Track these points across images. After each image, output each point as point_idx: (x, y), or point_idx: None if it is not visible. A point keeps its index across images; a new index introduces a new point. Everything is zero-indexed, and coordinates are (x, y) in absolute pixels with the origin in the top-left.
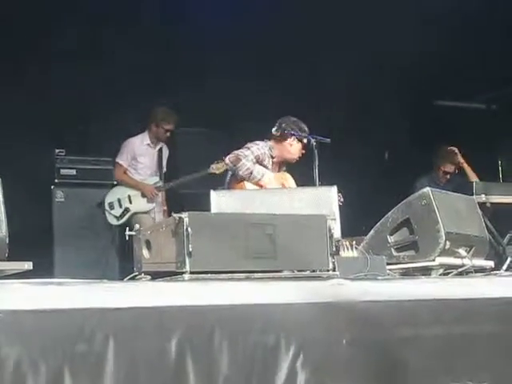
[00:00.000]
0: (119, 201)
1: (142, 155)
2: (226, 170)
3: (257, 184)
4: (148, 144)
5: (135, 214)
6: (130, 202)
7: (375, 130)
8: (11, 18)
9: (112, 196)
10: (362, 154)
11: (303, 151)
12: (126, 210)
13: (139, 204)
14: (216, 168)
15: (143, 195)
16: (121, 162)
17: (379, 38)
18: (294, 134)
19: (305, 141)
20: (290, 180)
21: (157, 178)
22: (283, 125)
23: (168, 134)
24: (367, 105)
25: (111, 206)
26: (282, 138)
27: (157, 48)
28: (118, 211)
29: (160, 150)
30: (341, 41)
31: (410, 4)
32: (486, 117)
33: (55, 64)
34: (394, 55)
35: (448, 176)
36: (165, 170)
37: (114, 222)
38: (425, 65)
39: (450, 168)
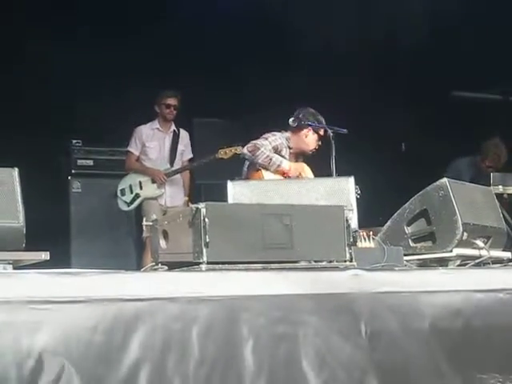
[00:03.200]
0: (130, 187)
1: (150, 140)
2: (235, 155)
3: (276, 171)
4: (157, 128)
5: (145, 199)
6: (141, 188)
7: (392, 121)
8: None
9: (124, 183)
10: (379, 145)
11: (319, 143)
12: (137, 195)
13: (149, 190)
14: (224, 153)
15: (153, 181)
16: (131, 150)
17: (395, 28)
18: (310, 125)
19: (321, 132)
20: (307, 170)
21: (168, 164)
22: (300, 115)
23: (171, 109)
24: (384, 95)
25: (122, 193)
26: (298, 129)
27: (173, 38)
28: (128, 197)
29: (175, 135)
30: (356, 31)
31: None
32: (503, 108)
33: (72, 55)
34: (410, 45)
35: (490, 169)
36: (190, 155)
37: (124, 207)
38: (441, 55)
39: (491, 163)
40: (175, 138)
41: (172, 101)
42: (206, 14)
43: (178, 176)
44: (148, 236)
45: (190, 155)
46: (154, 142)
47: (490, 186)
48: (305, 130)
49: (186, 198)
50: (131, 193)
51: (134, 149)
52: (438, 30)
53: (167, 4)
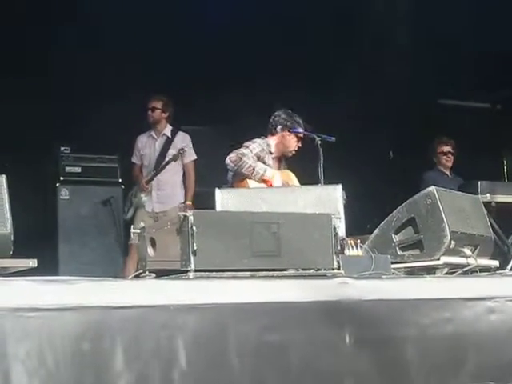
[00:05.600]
0: (131, 196)
1: (144, 147)
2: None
3: (261, 180)
4: (151, 135)
5: (136, 207)
6: (135, 197)
7: (380, 129)
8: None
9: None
10: (366, 153)
11: (299, 144)
12: (130, 203)
13: (138, 198)
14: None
15: (141, 189)
16: (132, 160)
17: (382, 36)
18: (286, 126)
19: (300, 134)
20: (293, 178)
21: (153, 171)
22: (276, 118)
23: (153, 112)
24: (371, 103)
25: (125, 202)
26: (275, 132)
27: (159, 45)
28: (126, 206)
29: (168, 139)
30: (344, 39)
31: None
32: (491, 116)
33: (59, 61)
34: (398, 53)
35: (450, 156)
36: (191, 158)
37: (124, 216)
38: (430, 63)
39: (445, 147)
40: (167, 143)
41: (151, 103)
42: (192, 26)
43: (173, 179)
44: (133, 243)
45: (191, 157)
46: (146, 148)
47: (475, 192)
48: (282, 133)
49: (189, 203)
50: (129, 202)
51: (134, 159)
52: (425, 38)
53: (153, 16)
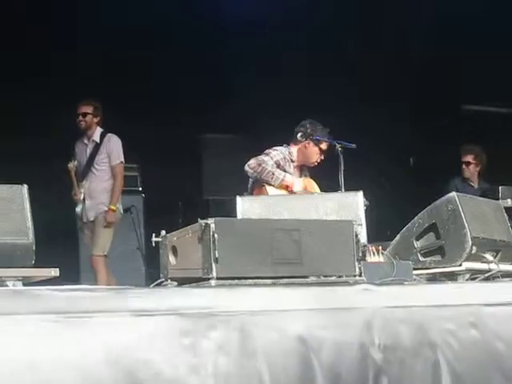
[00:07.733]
0: None
1: (78, 154)
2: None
3: (281, 186)
4: (83, 141)
5: (78, 219)
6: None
7: (401, 136)
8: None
9: None
10: (387, 160)
11: (321, 157)
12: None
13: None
14: None
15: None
16: (69, 166)
17: (406, 41)
18: (306, 134)
19: (322, 146)
20: (314, 186)
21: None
22: (301, 128)
23: (82, 118)
24: (393, 110)
25: None
26: (298, 141)
27: (178, 55)
28: None
29: (97, 144)
30: (366, 43)
31: (441, 6)
32: None
33: (79, 70)
34: (420, 59)
35: (469, 167)
36: (117, 161)
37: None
38: (452, 68)
39: (464, 157)
40: (95, 148)
41: (81, 109)
42: (211, 34)
43: (102, 186)
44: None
45: (117, 160)
46: (79, 155)
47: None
48: (304, 142)
49: (112, 207)
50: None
51: (71, 164)
52: (448, 43)
53: (169, 29)
